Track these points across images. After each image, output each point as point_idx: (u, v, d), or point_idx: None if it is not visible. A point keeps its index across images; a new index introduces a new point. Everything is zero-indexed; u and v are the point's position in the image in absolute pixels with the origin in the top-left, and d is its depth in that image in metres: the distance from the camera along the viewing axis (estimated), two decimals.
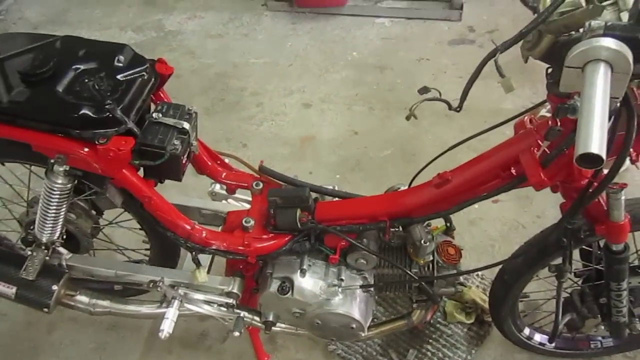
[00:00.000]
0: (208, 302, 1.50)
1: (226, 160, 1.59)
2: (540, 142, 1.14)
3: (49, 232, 1.39)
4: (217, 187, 1.64)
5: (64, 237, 1.47)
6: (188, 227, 1.37)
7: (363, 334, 1.48)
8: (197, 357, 1.86)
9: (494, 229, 2.22)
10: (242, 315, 1.51)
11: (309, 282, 1.43)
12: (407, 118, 1.19)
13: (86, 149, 1.17)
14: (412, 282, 1.47)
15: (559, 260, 1.37)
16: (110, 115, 1.15)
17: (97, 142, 1.15)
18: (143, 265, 1.54)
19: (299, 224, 1.38)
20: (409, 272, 1.43)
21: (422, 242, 1.43)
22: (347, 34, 3.27)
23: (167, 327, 1.40)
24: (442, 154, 1.38)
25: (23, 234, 1.48)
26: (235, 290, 1.48)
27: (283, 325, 1.59)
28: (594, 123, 0.76)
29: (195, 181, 1.88)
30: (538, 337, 1.74)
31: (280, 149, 2.58)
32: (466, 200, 1.29)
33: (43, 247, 1.43)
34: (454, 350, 1.84)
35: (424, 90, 1.16)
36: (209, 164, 1.51)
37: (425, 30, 3.28)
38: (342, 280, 1.44)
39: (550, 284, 1.59)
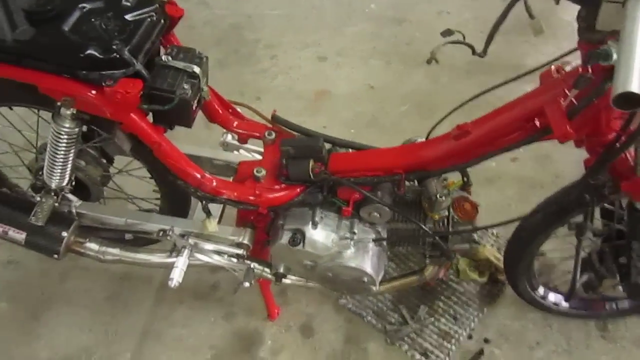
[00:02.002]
0: (218, 253, 1.48)
1: (239, 110, 1.55)
2: (568, 92, 1.08)
3: (58, 178, 1.37)
4: (229, 137, 1.60)
5: (73, 184, 1.45)
6: (198, 176, 1.34)
7: (375, 288, 1.46)
8: (207, 308, 1.86)
9: (511, 188, 2.16)
10: (252, 266, 1.49)
11: (321, 234, 1.41)
12: (428, 62, 1.14)
13: (93, 92, 1.14)
14: (426, 236, 1.43)
15: (579, 218, 1.33)
16: (118, 56, 1.11)
17: (104, 84, 1.12)
18: (153, 214, 1.53)
19: (311, 175, 1.34)
20: (423, 226, 1.39)
21: (438, 196, 1.39)
22: None
23: (176, 276, 1.39)
24: (461, 105, 1.32)
25: (33, 181, 1.46)
26: (245, 241, 1.46)
27: (294, 278, 1.57)
28: (635, 61, 0.70)
29: (207, 134, 1.86)
30: (552, 297, 1.71)
31: (294, 102, 2.53)
32: (485, 153, 1.24)
33: (52, 194, 1.41)
34: (466, 307, 1.82)
35: (447, 32, 1.09)
36: (221, 112, 1.47)
37: None
38: (354, 233, 1.41)
39: (567, 243, 1.55)
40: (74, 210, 1.48)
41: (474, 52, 1.11)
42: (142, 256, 1.47)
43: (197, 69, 1.23)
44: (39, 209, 1.37)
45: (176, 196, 1.55)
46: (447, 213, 1.45)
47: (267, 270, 1.54)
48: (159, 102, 1.19)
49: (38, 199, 1.40)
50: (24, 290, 1.92)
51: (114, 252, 1.47)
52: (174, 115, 1.24)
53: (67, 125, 1.24)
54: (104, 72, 1.11)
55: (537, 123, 1.15)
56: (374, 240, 1.41)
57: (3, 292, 1.91)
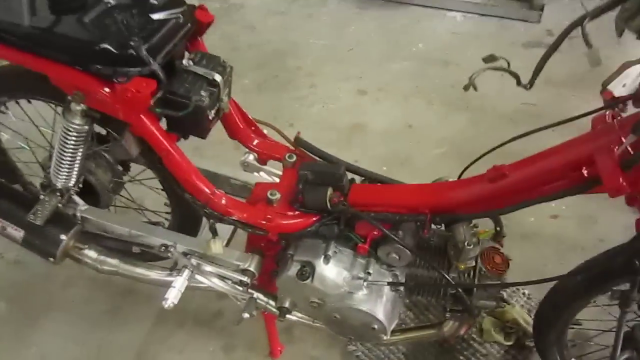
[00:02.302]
0: (222, 278, 1.38)
1: (263, 130, 1.47)
2: (624, 139, 0.95)
3: (64, 177, 1.31)
4: (250, 157, 1.52)
5: (81, 186, 1.38)
6: (207, 191, 1.25)
7: (385, 337, 1.32)
8: (208, 336, 1.75)
9: (548, 247, 1.99)
10: (255, 296, 1.38)
11: (333, 270, 1.28)
12: (466, 88, 1.03)
13: (105, 87, 1.07)
14: (448, 287, 1.29)
15: (624, 286, 1.17)
16: (134, 53, 1.04)
17: (116, 81, 1.05)
18: (159, 228, 1.44)
19: (328, 205, 1.23)
20: (445, 275, 1.25)
21: (466, 244, 1.25)
22: (415, 24, 3.09)
23: (172, 297, 1.29)
24: (501, 145, 1.20)
25: (42, 179, 1.41)
26: (251, 268, 1.35)
27: (299, 315, 1.45)
28: None
29: (234, 155, 1.78)
30: None
31: (327, 133, 2.44)
32: (522, 201, 1.11)
33: (57, 193, 1.35)
34: None
35: (490, 58, 0.99)
36: (242, 128, 1.39)
37: (499, 29, 3.05)
38: (369, 274, 1.28)
39: (608, 314, 1.38)
40: (78, 214, 1.41)
41: (518, 83, 1.00)
42: (140, 270, 1.38)
43: (218, 77, 1.16)
44: (39, 207, 1.31)
45: (186, 212, 1.47)
46: (474, 264, 1.31)
47: (272, 303, 1.42)
48: (173, 107, 1.12)
49: (41, 196, 1.34)
50: (26, 292, 1.86)
51: (112, 262, 1.38)
52: (188, 123, 1.17)
53: (77, 122, 1.18)
54: (117, 69, 1.05)
55: (585, 172, 1.01)
56: (390, 284, 1.28)
57: (5, 291, 1.86)
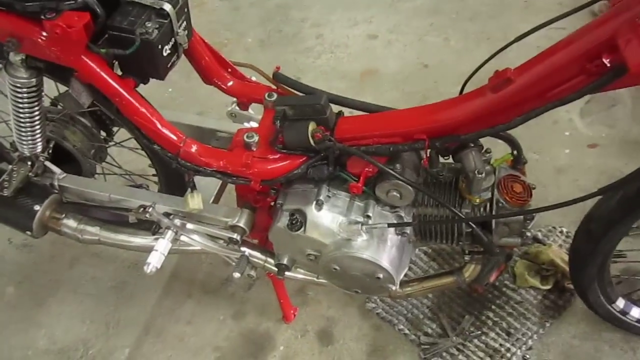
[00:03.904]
0: (211, 237, 1.26)
1: (242, 72, 1.32)
2: None
3: (29, 143, 1.21)
4: (238, 107, 1.38)
5: (50, 151, 1.28)
6: (176, 140, 1.12)
7: (394, 288, 1.17)
8: (217, 303, 1.65)
9: (588, 179, 1.77)
10: (247, 254, 1.25)
11: (326, 216, 1.14)
12: None
13: (35, 28, 0.95)
14: (457, 222, 1.12)
15: None
16: None
17: (44, 18, 0.92)
18: (139, 190, 1.33)
19: (312, 141, 1.08)
20: (452, 208, 1.08)
21: (476, 172, 1.08)
22: None
23: (154, 261, 1.18)
24: (512, 42, 1.01)
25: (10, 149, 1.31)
26: (241, 224, 1.21)
27: (302, 272, 1.31)
28: None
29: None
30: (636, 312, 1.33)
31: (337, 82, 2.27)
32: (533, 109, 0.92)
33: (27, 162, 1.25)
34: (523, 321, 1.47)
35: None
36: (215, 69, 1.24)
37: None
38: (368, 217, 1.13)
39: None
40: (56, 183, 1.31)
41: None
42: (123, 237, 1.27)
43: (167, 6, 1.01)
44: (7, 177, 1.21)
45: (171, 171, 1.34)
46: (490, 196, 1.13)
47: (270, 260, 1.28)
48: (119, 44, 0.99)
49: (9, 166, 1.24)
50: (33, 274, 1.80)
51: (93, 230, 1.28)
52: (140, 63, 1.03)
53: (22, 75, 1.06)
54: (45, 3, 0.92)
55: (606, 61, 0.82)
56: (390, 225, 1.12)
57: (13, 275, 1.80)
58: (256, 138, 1.13)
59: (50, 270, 1.80)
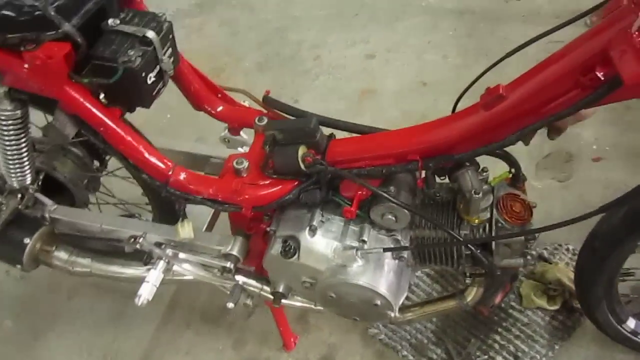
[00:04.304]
0: (204, 267, 1.22)
1: (232, 97, 1.30)
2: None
3: (18, 175, 1.19)
4: (229, 132, 1.36)
5: (39, 183, 1.26)
6: (163, 167, 1.09)
7: (392, 314, 1.12)
8: (216, 333, 1.61)
9: (593, 194, 1.73)
10: (241, 282, 1.21)
11: (320, 242, 1.10)
12: None
13: (15, 60, 0.93)
14: (456, 244, 1.09)
15: None
16: (41, 15, 0.90)
17: (23, 49, 0.91)
18: (131, 219, 1.31)
19: (302, 165, 1.05)
20: (449, 230, 1.05)
21: (473, 192, 1.05)
22: None
23: (145, 293, 1.15)
24: (506, 56, 0.99)
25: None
26: (234, 252, 1.18)
27: (299, 299, 1.28)
28: None
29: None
30: None
31: (335, 104, 2.25)
32: (527, 126, 0.89)
33: (17, 195, 1.23)
34: (531, 343, 1.42)
35: None
36: (203, 94, 1.22)
37: None
38: (364, 242, 1.09)
39: None
40: (47, 215, 1.29)
41: None
42: (114, 269, 1.25)
43: (150, 33, 0.99)
44: None
45: (161, 199, 1.31)
46: (489, 216, 1.09)
47: (266, 289, 1.25)
48: (102, 74, 0.97)
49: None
50: (31, 307, 1.77)
51: (84, 262, 1.25)
52: (125, 91, 1.01)
53: (6, 107, 1.05)
54: (25, 35, 0.91)
55: (600, 74, 0.79)
56: (385, 250, 1.08)
57: (10, 309, 1.78)
58: (246, 164, 1.10)
59: (49, 302, 1.78)
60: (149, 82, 1.02)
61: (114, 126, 1.03)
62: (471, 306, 1.23)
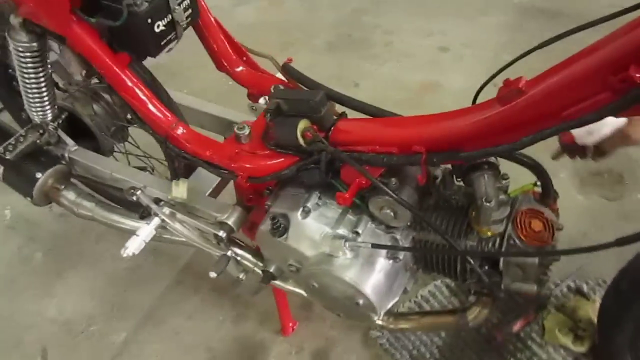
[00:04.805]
0: (200, 231, 1.19)
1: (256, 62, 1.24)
2: None
3: (37, 108, 1.21)
4: (262, 100, 1.30)
5: (60, 121, 1.28)
6: (165, 121, 1.06)
7: (376, 318, 1.03)
8: (221, 303, 1.58)
9: None
10: (233, 254, 1.16)
11: (311, 226, 1.03)
12: None
13: None
14: (452, 253, 0.97)
15: None
16: None
17: None
18: (142, 172, 1.29)
19: (301, 141, 0.97)
20: (448, 238, 0.93)
21: (484, 200, 0.92)
22: None
23: (132, 246, 1.12)
24: (529, 52, 0.86)
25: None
26: (229, 222, 1.13)
27: (292, 284, 1.21)
28: None
29: None
30: None
31: (394, 92, 2.14)
32: (546, 128, 0.75)
33: (38, 130, 1.25)
34: None
35: None
36: (227, 56, 1.18)
37: None
38: (357, 233, 1.00)
39: None
40: (67, 155, 1.31)
41: None
42: (114, 217, 1.24)
43: None
44: (13, 141, 1.22)
45: (172, 157, 1.29)
46: (502, 229, 0.96)
47: (259, 265, 1.19)
48: (110, 16, 0.95)
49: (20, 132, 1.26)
50: (62, 244, 1.84)
51: (88, 206, 1.26)
52: (131, 37, 0.98)
53: (23, 39, 1.06)
54: None
55: (635, 74, 0.64)
56: (374, 246, 0.98)
57: (44, 242, 1.86)
58: (247, 131, 1.05)
59: (78, 243, 1.83)
60: (157, 29, 0.98)
61: (117, 71, 1.01)
62: (472, 327, 1.10)
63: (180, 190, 1.10)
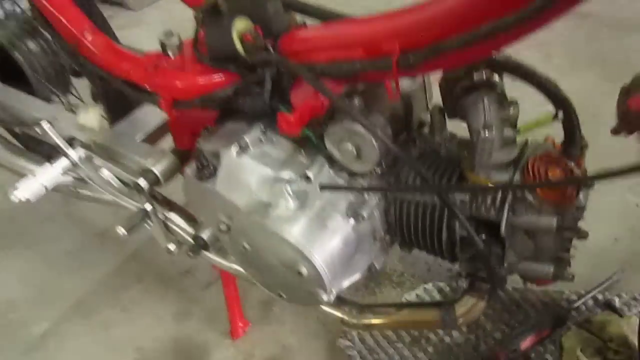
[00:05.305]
0: (117, 178, 0.93)
1: None
2: None
3: None
4: None
5: None
6: (76, 24, 0.82)
7: (325, 297, 0.74)
8: (164, 296, 1.30)
9: None
10: (149, 208, 0.90)
11: (247, 166, 0.76)
12: None
13: None
14: (429, 190, 0.69)
15: None
16: None
17: None
18: (56, 106, 1.04)
19: (239, 46, 0.72)
20: (421, 171, 0.66)
21: (483, 127, 0.66)
22: None
23: (24, 189, 0.88)
24: None
25: None
26: (154, 169, 0.88)
27: (228, 258, 0.94)
28: None
29: None
30: None
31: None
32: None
33: None
34: None
35: None
36: None
37: None
38: (308, 178, 0.73)
39: None
40: None
41: None
42: (13, 159, 1.00)
43: None
44: None
45: (108, 93, 1.06)
46: (507, 178, 0.69)
47: (190, 230, 0.92)
48: None
49: None
50: (7, 222, 1.60)
51: None
52: None
53: None
54: None
55: None
56: (325, 190, 0.71)
57: None
58: (175, 40, 0.80)
59: (22, 222, 1.59)
60: None
61: None
62: (461, 325, 0.80)
63: (90, 117, 0.86)
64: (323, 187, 0.70)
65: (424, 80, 0.82)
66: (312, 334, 1.16)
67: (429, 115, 0.82)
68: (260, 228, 0.73)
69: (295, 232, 0.71)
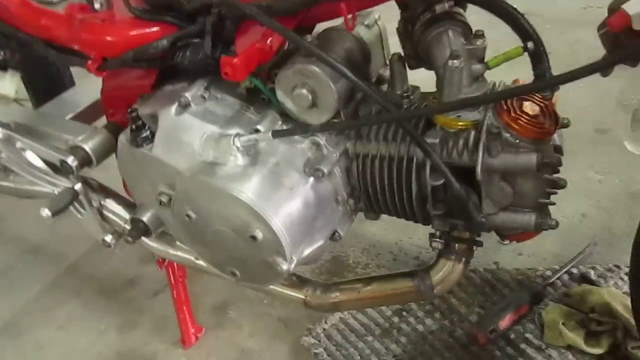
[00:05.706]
0: (43, 161, 0.82)
1: None
2: None
3: None
4: None
5: None
6: None
7: (285, 267, 0.64)
8: (107, 308, 1.17)
9: None
10: (77, 188, 0.78)
11: (189, 124, 0.67)
12: None
13: None
14: (390, 119, 0.63)
15: None
16: None
17: None
18: None
19: None
20: (383, 100, 0.59)
21: (450, 57, 0.60)
22: None
23: None
24: None
25: None
26: (84, 146, 0.77)
27: (179, 247, 0.83)
28: None
29: None
30: None
31: None
32: None
33: None
34: None
35: None
36: None
37: None
38: (257, 131, 0.65)
39: None
40: None
41: None
42: None
43: None
44: None
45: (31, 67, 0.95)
46: (478, 118, 0.63)
47: (124, 214, 0.82)
48: None
49: None
50: None
51: None
52: None
53: None
54: None
55: None
56: (278, 136, 0.62)
57: None
58: None
59: None
60: None
61: None
62: (437, 295, 0.72)
63: (6, 85, 0.74)
64: (276, 134, 0.62)
65: (380, 33, 0.77)
66: (273, 335, 1.05)
67: (387, 71, 0.76)
68: (206, 189, 0.64)
69: (246, 189, 0.62)
